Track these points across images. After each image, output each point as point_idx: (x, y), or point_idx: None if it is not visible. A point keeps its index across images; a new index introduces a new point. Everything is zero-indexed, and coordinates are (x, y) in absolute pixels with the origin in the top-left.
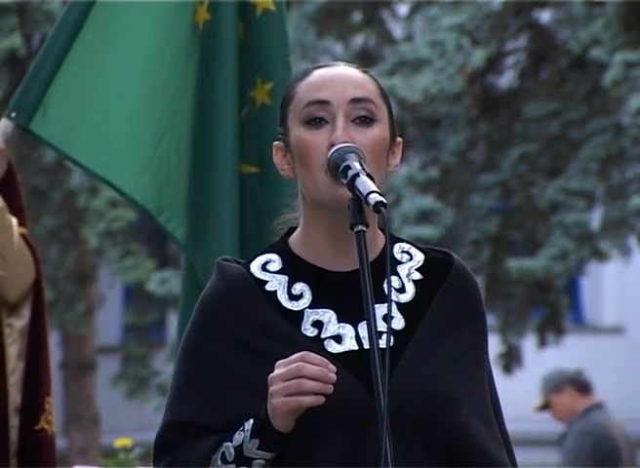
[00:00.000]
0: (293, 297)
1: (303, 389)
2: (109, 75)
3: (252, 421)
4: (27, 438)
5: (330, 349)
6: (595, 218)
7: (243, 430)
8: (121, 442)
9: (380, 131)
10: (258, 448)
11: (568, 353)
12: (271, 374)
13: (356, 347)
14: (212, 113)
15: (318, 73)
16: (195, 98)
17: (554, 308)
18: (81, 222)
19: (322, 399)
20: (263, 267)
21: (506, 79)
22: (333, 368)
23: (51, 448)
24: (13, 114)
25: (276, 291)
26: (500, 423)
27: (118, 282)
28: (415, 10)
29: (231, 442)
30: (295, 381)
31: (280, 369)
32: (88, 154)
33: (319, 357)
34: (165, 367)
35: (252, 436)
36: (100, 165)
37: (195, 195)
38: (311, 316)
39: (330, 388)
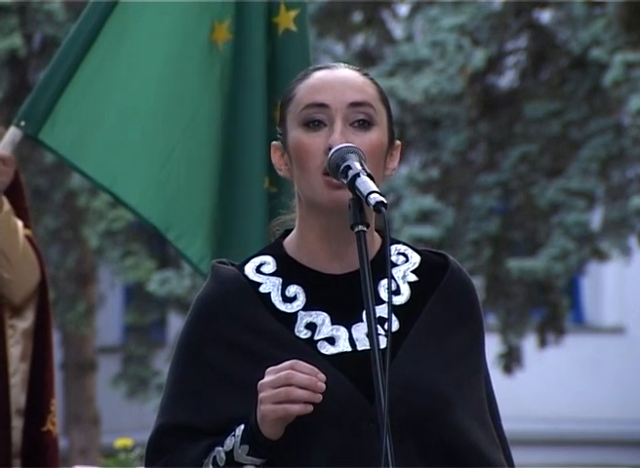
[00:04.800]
0: (286, 300)
1: (292, 397)
2: (120, 88)
3: (242, 427)
4: (34, 439)
5: (323, 351)
6: (596, 219)
7: (234, 435)
8: (121, 442)
9: (377, 135)
10: (248, 454)
11: (568, 353)
12: (261, 381)
13: (349, 349)
14: (240, 133)
15: (318, 75)
16: (218, 117)
17: (555, 308)
18: (81, 222)
19: (310, 407)
20: (258, 269)
21: (507, 79)
22: (322, 377)
23: (56, 449)
24: (22, 123)
25: (270, 293)
26: (496, 424)
27: (118, 282)
28: (415, 10)
29: (222, 446)
30: (283, 389)
31: (270, 376)
32: (95, 165)
33: (309, 366)
34: (165, 367)
35: (242, 442)
36: (106, 177)
37: (219, 212)
38: (305, 318)
39: (319, 397)
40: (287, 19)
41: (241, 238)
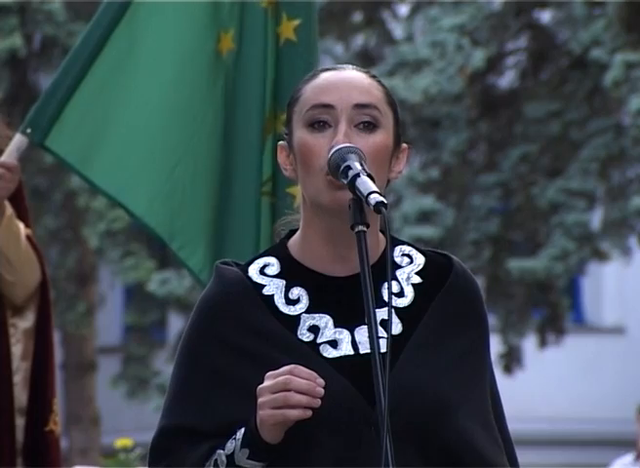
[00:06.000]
0: (290, 302)
1: (290, 402)
2: (129, 98)
3: (243, 430)
4: (37, 439)
5: (325, 354)
6: (596, 219)
7: (235, 438)
8: (121, 442)
9: (382, 137)
10: (248, 458)
11: (568, 353)
12: (260, 386)
13: (352, 352)
14: (237, 141)
15: (324, 76)
16: (221, 127)
17: (555, 308)
18: (81, 223)
19: (309, 412)
20: (262, 271)
21: (507, 79)
22: (321, 382)
23: (58, 448)
24: (28, 130)
25: (273, 295)
26: (502, 426)
27: (118, 282)
28: (415, 10)
29: (223, 449)
30: (281, 394)
31: (269, 381)
32: (102, 174)
33: (308, 370)
34: (165, 367)
35: (242, 445)
36: (112, 185)
37: (217, 222)
38: (308, 321)
39: (317, 402)
40: (288, 30)
41: (236, 247)
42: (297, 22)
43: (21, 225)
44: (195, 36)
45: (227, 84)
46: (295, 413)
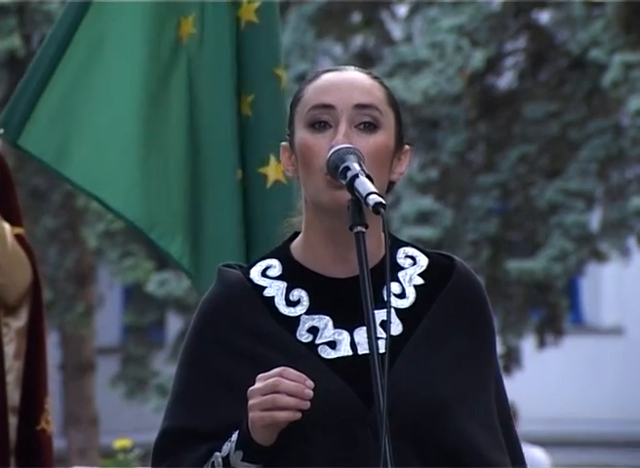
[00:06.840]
0: (290, 303)
1: (279, 405)
2: (98, 92)
3: (237, 432)
4: (29, 438)
5: (324, 355)
6: (595, 219)
7: (230, 441)
8: (120, 442)
9: (383, 138)
10: (242, 460)
11: (567, 354)
12: (250, 388)
13: (350, 353)
14: (206, 127)
15: (326, 77)
16: (187, 113)
17: (554, 309)
18: (80, 223)
19: (299, 415)
20: (263, 273)
21: (506, 80)
22: (310, 383)
23: (50, 447)
24: (0, 131)
25: (274, 296)
26: (508, 426)
27: (117, 283)
28: (414, 11)
29: (220, 452)
30: (270, 396)
31: (259, 383)
32: (77, 170)
33: (297, 373)
34: (164, 367)
35: (236, 447)
36: (88, 181)
37: (192, 206)
38: (307, 322)
39: (306, 404)
40: (249, 12)
41: (215, 232)
42: (257, 5)
43: (7, 226)
44: (156, 27)
45: (190, 70)
46: (283, 415)
